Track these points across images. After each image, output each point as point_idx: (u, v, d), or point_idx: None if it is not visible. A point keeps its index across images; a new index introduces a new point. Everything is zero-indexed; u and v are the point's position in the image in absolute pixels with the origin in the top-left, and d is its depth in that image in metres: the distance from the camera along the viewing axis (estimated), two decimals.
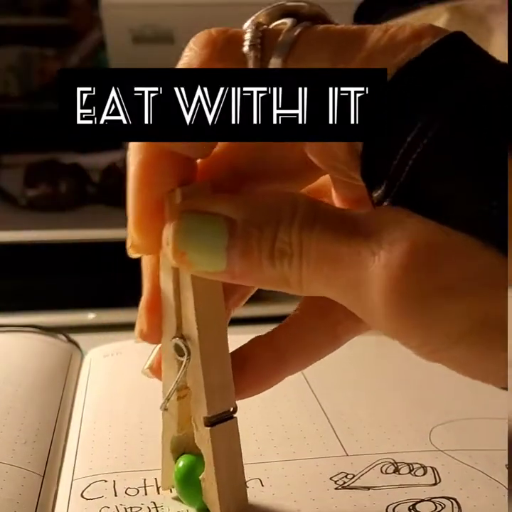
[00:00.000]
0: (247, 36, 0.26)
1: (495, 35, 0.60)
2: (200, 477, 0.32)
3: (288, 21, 0.27)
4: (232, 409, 0.32)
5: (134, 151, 0.30)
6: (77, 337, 0.54)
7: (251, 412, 0.42)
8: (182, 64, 0.27)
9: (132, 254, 0.33)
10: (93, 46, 2.46)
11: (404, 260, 0.23)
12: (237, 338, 0.55)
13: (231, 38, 0.27)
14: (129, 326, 0.57)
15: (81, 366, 0.50)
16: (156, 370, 0.34)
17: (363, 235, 0.24)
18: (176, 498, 0.34)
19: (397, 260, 0.23)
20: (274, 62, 0.26)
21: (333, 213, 0.26)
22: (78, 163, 1.04)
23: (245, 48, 0.26)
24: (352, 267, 0.24)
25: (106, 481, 0.36)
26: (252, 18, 0.27)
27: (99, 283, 0.71)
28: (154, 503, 0.34)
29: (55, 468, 0.38)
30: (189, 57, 0.27)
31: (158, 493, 0.35)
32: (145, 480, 0.36)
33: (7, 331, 0.53)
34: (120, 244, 0.67)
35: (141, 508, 0.34)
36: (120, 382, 0.47)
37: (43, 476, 0.36)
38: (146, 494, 0.35)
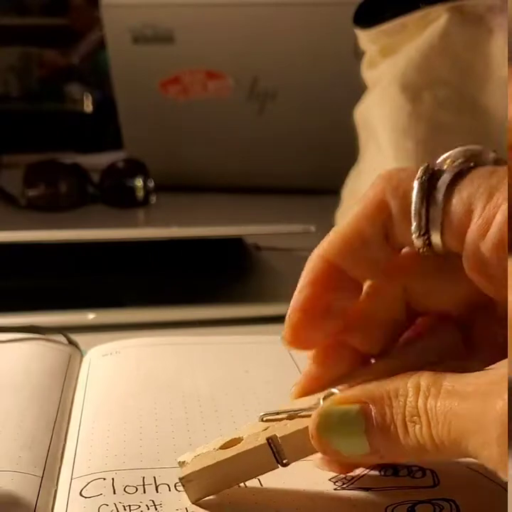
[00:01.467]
0: (418, 175, 0.30)
1: (494, 36, 0.60)
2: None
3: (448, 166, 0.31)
4: None
5: (312, 260, 0.33)
6: (76, 337, 0.54)
7: (251, 413, 0.42)
8: (365, 195, 0.32)
9: (284, 345, 0.35)
10: (93, 46, 2.46)
11: None
12: (238, 339, 0.55)
13: (404, 177, 0.31)
14: (128, 326, 0.58)
15: (80, 366, 0.50)
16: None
17: (482, 391, 0.27)
18: (175, 497, 0.34)
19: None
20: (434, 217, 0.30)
21: (453, 378, 0.28)
22: (78, 163, 1.04)
23: (414, 186, 0.30)
24: (475, 420, 0.26)
25: (104, 479, 0.36)
26: (440, 158, 0.32)
27: (99, 283, 0.71)
28: (153, 501, 0.34)
29: (55, 468, 0.38)
30: (369, 188, 0.32)
31: (157, 492, 0.35)
32: (144, 478, 0.36)
33: (7, 340, 0.53)
34: (120, 244, 0.67)
35: (139, 506, 0.34)
36: (119, 381, 0.47)
37: (42, 477, 0.36)
38: (144, 492, 0.35)
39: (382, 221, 0.31)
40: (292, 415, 0.33)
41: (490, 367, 0.28)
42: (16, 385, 0.46)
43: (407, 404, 0.28)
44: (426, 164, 0.31)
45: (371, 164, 0.67)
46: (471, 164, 0.30)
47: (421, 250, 0.31)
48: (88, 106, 2.28)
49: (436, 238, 0.30)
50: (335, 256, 0.33)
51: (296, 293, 0.34)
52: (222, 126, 1.12)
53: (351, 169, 0.71)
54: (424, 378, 0.29)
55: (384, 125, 0.63)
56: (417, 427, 0.28)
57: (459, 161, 0.31)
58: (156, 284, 0.71)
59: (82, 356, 0.52)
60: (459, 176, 0.30)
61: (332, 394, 0.32)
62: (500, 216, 0.28)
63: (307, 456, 0.33)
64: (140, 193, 1.04)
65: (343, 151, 0.70)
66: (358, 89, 0.69)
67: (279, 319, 0.61)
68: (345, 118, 0.71)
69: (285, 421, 0.33)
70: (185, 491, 0.33)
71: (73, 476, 0.36)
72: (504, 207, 0.28)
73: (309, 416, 0.32)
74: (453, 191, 0.29)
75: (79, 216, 0.98)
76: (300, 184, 1.13)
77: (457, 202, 0.29)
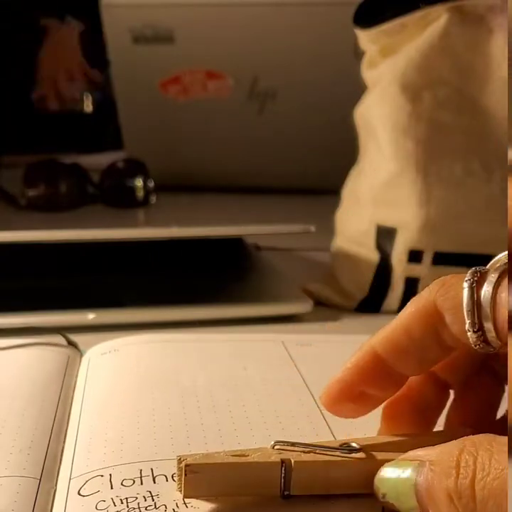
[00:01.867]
0: (467, 276, 0.32)
1: (494, 36, 0.61)
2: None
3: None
4: None
5: (362, 348, 0.35)
6: (76, 337, 0.54)
7: (248, 409, 0.43)
8: (418, 296, 0.34)
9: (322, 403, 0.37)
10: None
11: None
12: (236, 336, 0.55)
13: (454, 281, 0.33)
14: (128, 326, 0.58)
15: (79, 366, 0.50)
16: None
17: None
18: (172, 487, 0.34)
19: None
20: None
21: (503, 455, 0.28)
22: (78, 163, 1.04)
23: (464, 286, 0.32)
24: None
25: (102, 476, 0.36)
26: (491, 262, 0.33)
27: (99, 283, 0.71)
28: (150, 492, 0.34)
29: (53, 469, 0.37)
30: (423, 292, 0.34)
31: (154, 482, 0.35)
32: (141, 470, 0.36)
33: (7, 347, 0.53)
34: (120, 244, 0.68)
35: (136, 498, 0.33)
36: (118, 379, 0.47)
37: (40, 479, 0.36)
38: (141, 484, 0.35)
39: (434, 323, 0.33)
40: (308, 450, 0.33)
41: None
42: (15, 389, 0.46)
43: (459, 477, 0.28)
44: (474, 268, 0.32)
45: (371, 164, 0.67)
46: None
47: (477, 346, 0.32)
48: (88, 106, 2.27)
49: (490, 334, 0.31)
50: (384, 351, 0.34)
51: (341, 370, 0.35)
52: (222, 126, 1.12)
53: (351, 169, 0.71)
54: (481, 452, 0.28)
55: (384, 125, 0.63)
56: (463, 500, 0.28)
57: (506, 261, 0.32)
58: (156, 284, 0.71)
59: (81, 356, 0.52)
60: (504, 274, 0.31)
61: (349, 445, 0.33)
62: None
63: (312, 493, 0.33)
64: (140, 193, 1.04)
65: (343, 151, 0.70)
66: (358, 89, 0.69)
67: (278, 319, 0.62)
68: (345, 118, 0.70)
69: (300, 452, 0.33)
70: (184, 482, 0.32)
71: (71, 476, 0.36)
72: None
73: (324, 454, 0.33)
74: (500, 289, 0.31)
75: (79, 216, 0.98)
76: (300, 184, 1.13)
77: (505, 299, 0.30)
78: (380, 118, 0.64)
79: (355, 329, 0.62)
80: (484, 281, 0.32)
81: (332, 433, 0.41)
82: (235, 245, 0.81)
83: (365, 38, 0.65)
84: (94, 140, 1.38)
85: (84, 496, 0.34)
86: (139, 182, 1.04)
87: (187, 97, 1.10)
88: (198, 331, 0.58)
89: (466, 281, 0.32)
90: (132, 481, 0.35)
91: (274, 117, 1.09)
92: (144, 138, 1.17)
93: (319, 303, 0.66)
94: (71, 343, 0.54)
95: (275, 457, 0.32)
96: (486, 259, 0.63)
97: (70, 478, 0.36)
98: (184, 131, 1.14)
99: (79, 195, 1.00)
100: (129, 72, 1.12)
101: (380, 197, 0.65)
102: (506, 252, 0.33)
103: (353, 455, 0.33)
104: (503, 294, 0.31)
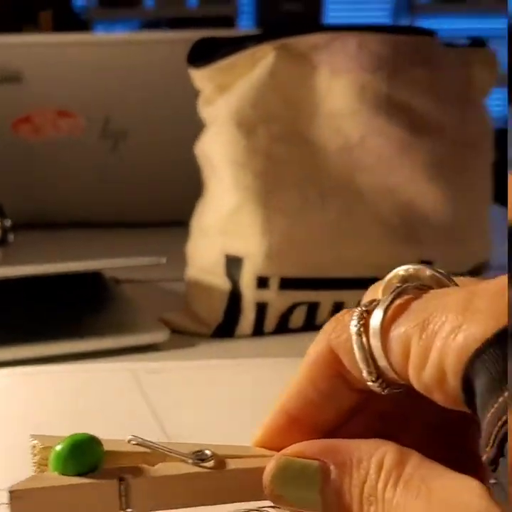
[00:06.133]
0: (353, 323, 0.29)
1: (318, 72, 0.64)
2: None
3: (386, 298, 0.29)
4: None
5: (273, 412, 0.31)
6: None
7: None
8: (315, 340, 0.30)
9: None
10: None
11: None
12: (87, 368, 0.56)
13: (341, 327, 0.30)
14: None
15: None
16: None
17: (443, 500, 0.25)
18: None
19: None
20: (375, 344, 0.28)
21: (415, 464, 0.27)
22: None
23: (352, 329, 0.29)
24: None
25: None
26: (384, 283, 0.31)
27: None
28: None
29: None
30: (314, 344, 0.30)
31: None
32: None
33: None
34: None
35: None
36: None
37: None
38: None
39: (336, 369, 0.30)
40: (161, 454, 0.30)
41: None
42: None
43: (367, 481, 0.27)
44: (360, 308, 0.29)
45: (214, 197, 0.69)
46: (406, 286, 0.29)
47: (382, 392, 0.29)
48: None
49: (390, 379, 0.29)
50: (296, 409, 0.31)
51: (254, 436, 0.32)
52: (76, 164, 1.12)
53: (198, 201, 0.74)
54: (389, 457, 0.27)
55: (223, 160, 0.66)
56: (372, 507, 0.27)
57: (389, 296, 0.29)
58: (21, 320, 0.71)
59: None
60: (387, 314, 0.28)
61: (203, 452, 0.30)
62: (439, 342, 0.26)
63: (159, 509, 0.30)
64: None
65: (193, 184, 0.72)
66: (203, 126, 0.71)
67: (137, 349, 0.63)
68: (192, 153, 0.72)
69: (142, 464, 0.30)
70: (11, 507, 0.28)
71: None
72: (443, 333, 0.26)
73: (178, 461, 0.30)
74: (387, 333, 0.28)
75: None
76: (155, 217, 1.13)
77: (394, 343, 0.28)
78: (218, 153, 0.67)
79: (211, 354, 0.64)
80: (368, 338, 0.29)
81: None
82: (95, 279, 0.82)
83: (200, 76, 0.67)
84: None
85: None
86: None
87: (39, 136, 1.10)
88: (50, 364, 0.59)
89: (354, 327, 0.29)
90: None
91: (127, 155, 1.10)
92: None
93: (176, 331, 0.68)
94: None
95: (113, 475, 0.29)
96: (329, 283, 0.66)
97: None
98: (38, 170, 1.13)
99: None
100: None
101: (225, 228, 0.68)
102: (395, 271, 0.31)
103: (203, 464, 0.30)
104: (391, 341, 0.28)
